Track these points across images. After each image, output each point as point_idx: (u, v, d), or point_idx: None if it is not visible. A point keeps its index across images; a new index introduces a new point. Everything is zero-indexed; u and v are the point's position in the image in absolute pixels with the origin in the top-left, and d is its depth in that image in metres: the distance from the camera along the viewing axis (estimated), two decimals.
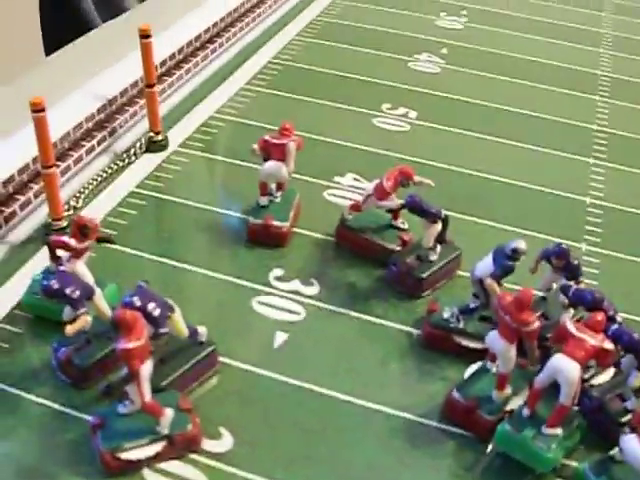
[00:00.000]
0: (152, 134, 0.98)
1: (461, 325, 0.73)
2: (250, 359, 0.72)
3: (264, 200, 0.85)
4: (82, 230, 0.69)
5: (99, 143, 0.96)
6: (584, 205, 0.96)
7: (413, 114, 1.11)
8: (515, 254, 0.70)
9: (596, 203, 0.97)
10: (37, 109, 0.77)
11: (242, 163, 0.98)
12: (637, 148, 1.10)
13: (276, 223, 0.84)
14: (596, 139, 1.10)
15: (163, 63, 1.09)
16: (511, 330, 0.64)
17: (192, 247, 0.85)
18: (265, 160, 0.84)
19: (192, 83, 1.15)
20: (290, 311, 0.78)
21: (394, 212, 0.83)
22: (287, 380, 0.70)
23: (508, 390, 0.67)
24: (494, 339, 0.65)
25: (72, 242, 0.70)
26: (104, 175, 0.93)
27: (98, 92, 0.99)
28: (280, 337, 0.75)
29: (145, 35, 0.91)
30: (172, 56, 1.11)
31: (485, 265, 0.71)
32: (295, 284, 0.80)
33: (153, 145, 0.98)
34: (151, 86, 0.95)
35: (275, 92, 1.14)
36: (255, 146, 0.84)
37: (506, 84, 1.20)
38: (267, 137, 0.83)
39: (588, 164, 1.04)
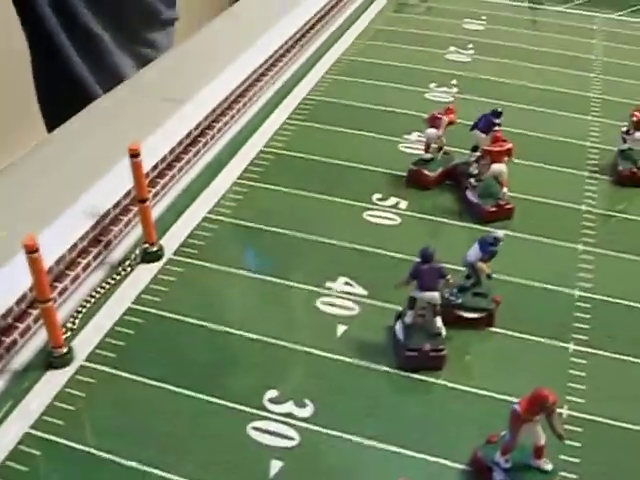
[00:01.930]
0: (147, 245, 0.99)
1: (459, 300, 0.91)
2: None
3: (427, 156, 1.18)
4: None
5: (95, 258, 0.98)
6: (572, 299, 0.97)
7: (403, 204, 1.12)
8: (496, 241, 0.89)
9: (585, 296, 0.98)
10: (31, 250, 0.79)
11: (237, 271, 0.99)
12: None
13: (425, 171, 1.16)
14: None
15: (154, 167, 1.10)
16: None
17: (191, 370, 0.87)
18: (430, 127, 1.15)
19: (184, 181, 1.17)
20: (285, 437, 0.79)
21: None
22: None
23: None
24: None
25: None
26: (101, 291, 0.95)
27: (91, 208, 1.00)
28: (275, 466, 0.76)
29: (134, 154, 0.93)
30: (163, 159, 1.13)
31: (475, 252, 0.90)
32: (289, 406, 0.81)
33: (148, 256, 0.99)
34: (143, 201, 0.96)
35: (267, 186, 1.15)
36: (426, 116, 1.17)
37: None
38: (436, 113, 1.16)
39: (576, 251, 1.05)
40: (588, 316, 0.95)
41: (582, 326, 0.94)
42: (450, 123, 1.17)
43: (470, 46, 1.68)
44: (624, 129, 1.22)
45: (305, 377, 0.85)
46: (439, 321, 0.86)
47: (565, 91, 1.50)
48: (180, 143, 1.17)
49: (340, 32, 1.71)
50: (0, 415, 0.80)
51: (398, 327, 0.87)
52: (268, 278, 0.98)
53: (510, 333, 0.93)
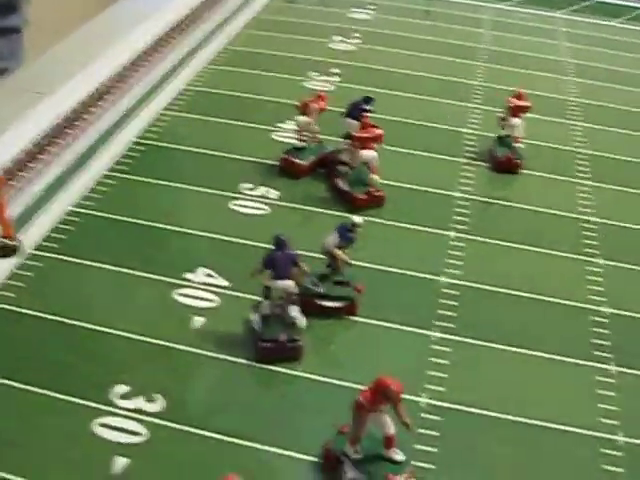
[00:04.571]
0: (4, 239, 0.96)
1: (321, 290, 0.89)
2: None
3: (299, 144, 1.16)
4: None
5: None
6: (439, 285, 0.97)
7: (274, 194, 1.10)
8: (354, 227, 0.89)
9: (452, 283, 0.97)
10: None
11: (96, 264, 0.96)
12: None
13: (296, 160, 1.14)
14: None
15: (15, 160, 1.07)
16: None
17: (39, 367, 0.83)
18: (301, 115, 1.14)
19: (49, 174, 1.12)
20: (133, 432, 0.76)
21: None
22: None
23: None
24: None
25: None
26: None
27: None
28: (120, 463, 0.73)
29: None
30: (25, 150, 1.09)
31: (332, 239, 0.89)
32: (138, 401, 0.79)
33: (4, 251, 0.96)
34: None
35: (136, 178, 1.13)
36: (298, 103, 1.15)
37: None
38: (307, 100, 1.14)
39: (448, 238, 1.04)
40: (454, 303, 0.94)
41: (447, 313, 0.93)
42: (321, 110, 1.15)
43: (356, 35, 1.66)
44: (501, 115, 1.21)
45: (157, 371, 0.83)
46: (295, 310, 0.84)
47: (449, 79, 1.50)
48: (45, 135, 1.13)
49: (225, 22, 1.67)
50: None
51: (255, 318, 0.85)
52: (126, 270, 0.95)
53: (373, 322, 0.91)
